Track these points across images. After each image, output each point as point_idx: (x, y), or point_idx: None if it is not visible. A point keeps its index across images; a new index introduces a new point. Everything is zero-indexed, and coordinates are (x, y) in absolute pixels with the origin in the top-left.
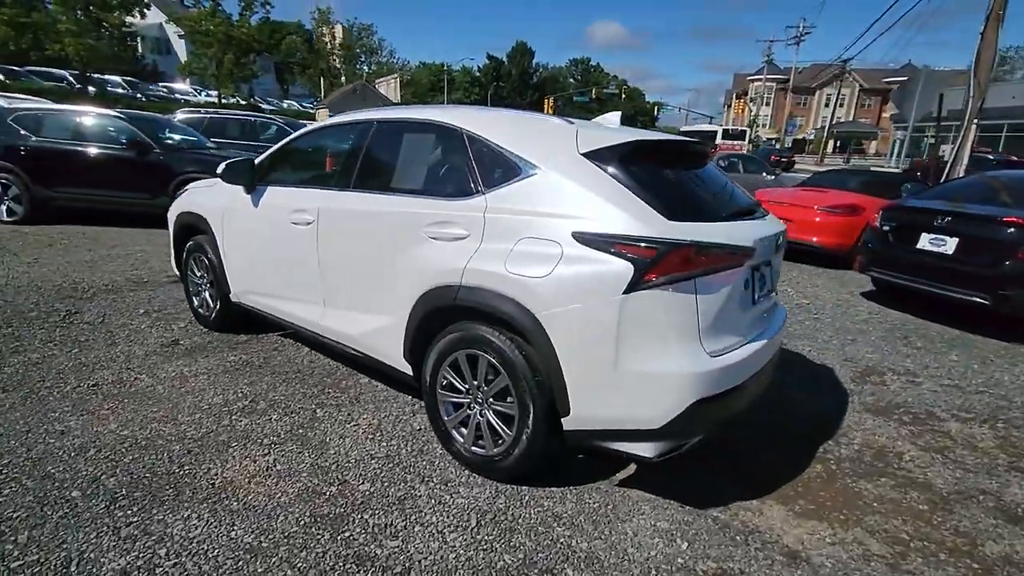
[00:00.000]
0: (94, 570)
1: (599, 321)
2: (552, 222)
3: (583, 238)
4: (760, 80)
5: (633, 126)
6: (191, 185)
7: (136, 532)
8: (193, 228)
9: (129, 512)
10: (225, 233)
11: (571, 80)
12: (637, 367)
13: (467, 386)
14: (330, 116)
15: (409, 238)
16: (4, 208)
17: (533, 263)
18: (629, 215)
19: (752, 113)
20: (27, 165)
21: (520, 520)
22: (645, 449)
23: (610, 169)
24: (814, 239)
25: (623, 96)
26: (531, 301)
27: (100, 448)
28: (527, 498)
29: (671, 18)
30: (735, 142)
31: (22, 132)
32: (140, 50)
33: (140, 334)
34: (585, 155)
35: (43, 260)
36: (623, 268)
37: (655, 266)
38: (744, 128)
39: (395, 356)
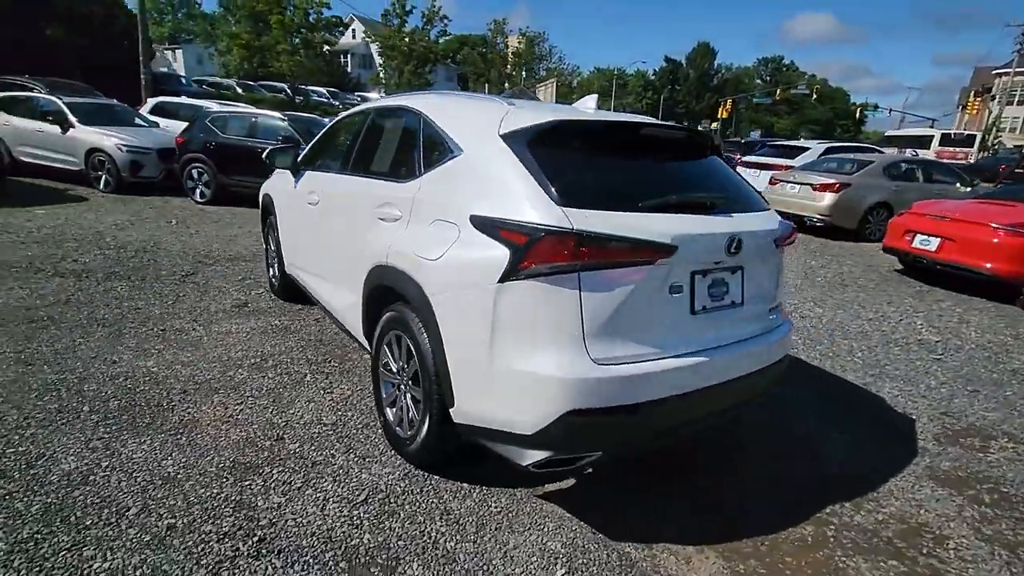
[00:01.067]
0: (50, 466)
1: (476, 309)
2: (459, 204)
3: (476, 221)
4: (1008, 74)
5: (831, 133)
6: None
7: (99, 445)
8: (267, 207)
9: (106, 430)
10: (280, 212)
11: (758, 81)
12: (509, 365)
13: (397, 367)
14: None
15: (366, 218)
16: (198, 191)
17: (433, 245)
18: (519, 198)
19: (993, 114)
20: (214, 157)
21: (407, 506)
22: (519, 456)
23: (519, 150)
24: (986, 264)
25: (815, 96)
26: (426, 284)
27: (128, 378)
28: (430, 487)
29: (890, 4)
30: (958, 149)
31: (213, 130)
32: (349, 66)
33: (224, 295)
34: (502, 136)
35: (202, 232)
36: (500, 255)
37: (528, 254)
38: (974, 132)
39: (358, 332)
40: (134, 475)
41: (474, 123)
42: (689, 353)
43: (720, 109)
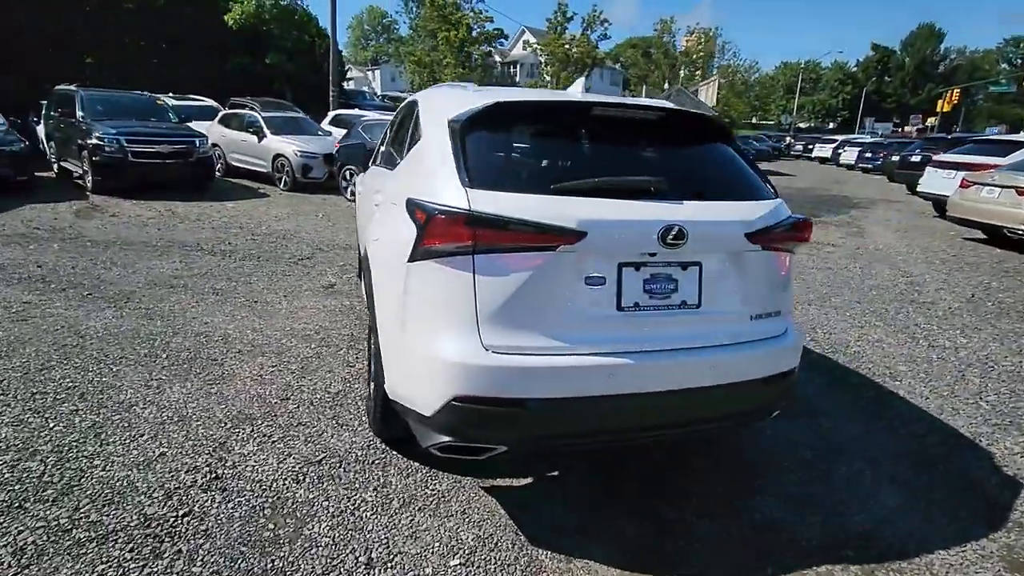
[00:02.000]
0: (113, 395)
1: (395, 289)
2: (406, 187)
3: (407, 202)
4: None
5: None
6: None
7: (153, 385)
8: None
9: (167, 375)
10: (358, 204)
11: (1004, 66)
12: (414, 344)
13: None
14: None
15: (369, 206)
16: (349, 190)
17: (380, 227)
18: (436, 179)
19: None
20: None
21: (351, 473)
22: (424, 437)
23: (455, 134)
24: None
25: None
26: (372, 264)
27: (206, 337)
28: (383, 460)
29: None
30: None
31: (364, 136)
32: (518, 75)
33: (320, 277)
34: (449, 121)
35: (338, 225)
36: (410, 235)
37: (426, 233)
38: None
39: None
40: (163, 411)
41: (438, 111)
42: (608, 353)
43: (941, 102)
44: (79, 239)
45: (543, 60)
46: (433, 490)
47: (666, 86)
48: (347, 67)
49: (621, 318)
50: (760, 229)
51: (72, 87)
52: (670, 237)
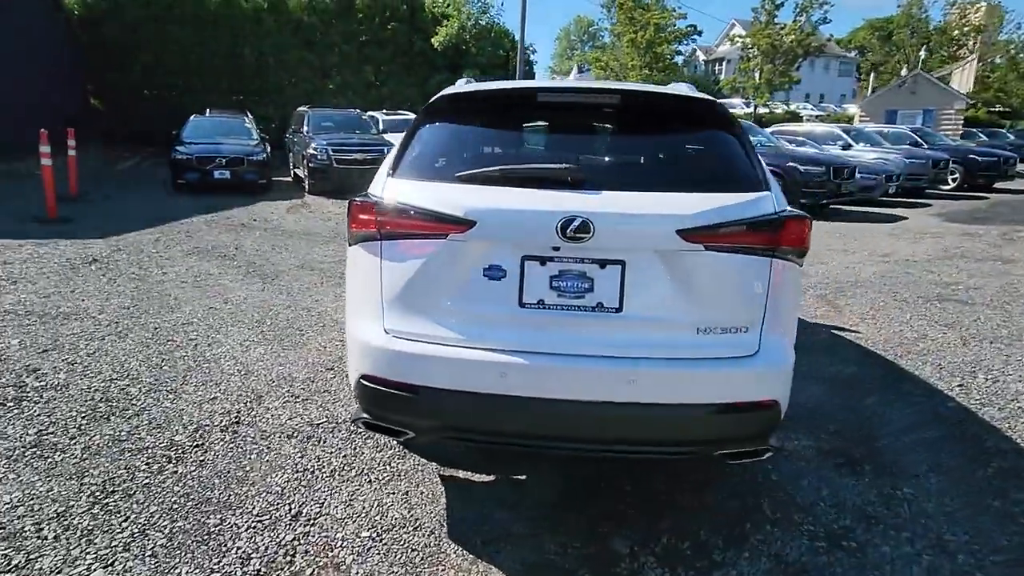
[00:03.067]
0: (205, 349)
1: (346, 269)
2: None
3: None
4: None
5: None
6: None
7: (247, 347)
8: None
9: (260, 339)
10: None
11: None
12: (346, 321)
13: None
14: (862, 118)
15: None
16: None
17: None
18: (383, 168)
19: None
20: None
21: (330, 437)
22: (354, 410)
23: (416, 124)
24: None
25: None
26: None
27: (308, 311)
28: (368, 436)
29: None
30: None
31: None
32: (724, 72)
33: None
34: (421, 112)
35: None
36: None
37: (350, 220)
38: None
39: None
40: (238, 366)
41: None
42: (502, 350)
43: None
44: (277, 229)
45: (742, 54)
46: (394, 468)
47: (903, 71)
48: (553, 77)
49: (522, 315)
50: (700, 226)
51: (305, 108)
52: (571, 230)
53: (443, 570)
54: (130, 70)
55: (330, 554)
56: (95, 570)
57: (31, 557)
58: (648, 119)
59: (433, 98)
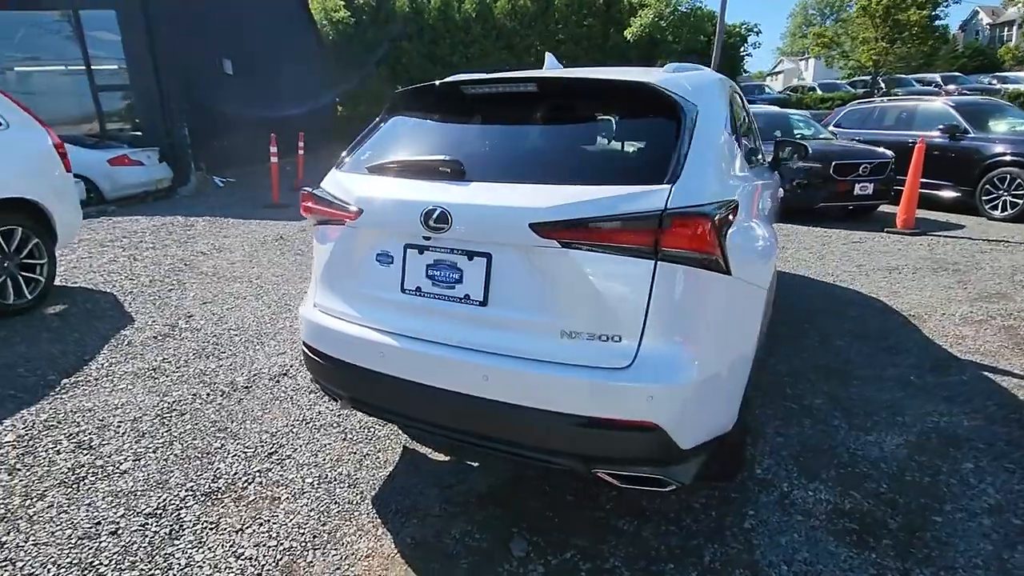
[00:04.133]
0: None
1: None
2: None
3: None
4: None
5: None
6: None
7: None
8: None
9: None
10: None
11: None
12: None
13: None
14: None
15: None
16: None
17: None
18: None
19: None
20: None
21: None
22: None
23: (379, 119)
24: None
25: None
26: None
27: None
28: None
29: None
30: None
31: None
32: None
33: None
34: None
35: None
36: None
37: (300, 207)
38: None
39: None
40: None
41: None
42: (383, 331)
43: None
44: None
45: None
46: (370, 433)
47: None
48: (779, 60)
49: (403, 300)
50: (553, 221)
51: None
52: (432, 220)
53: (347, 525)
54: (368, 82)
55: (274, 490)
56: (125, 461)
57: (101, 442)
58: (572, 107)
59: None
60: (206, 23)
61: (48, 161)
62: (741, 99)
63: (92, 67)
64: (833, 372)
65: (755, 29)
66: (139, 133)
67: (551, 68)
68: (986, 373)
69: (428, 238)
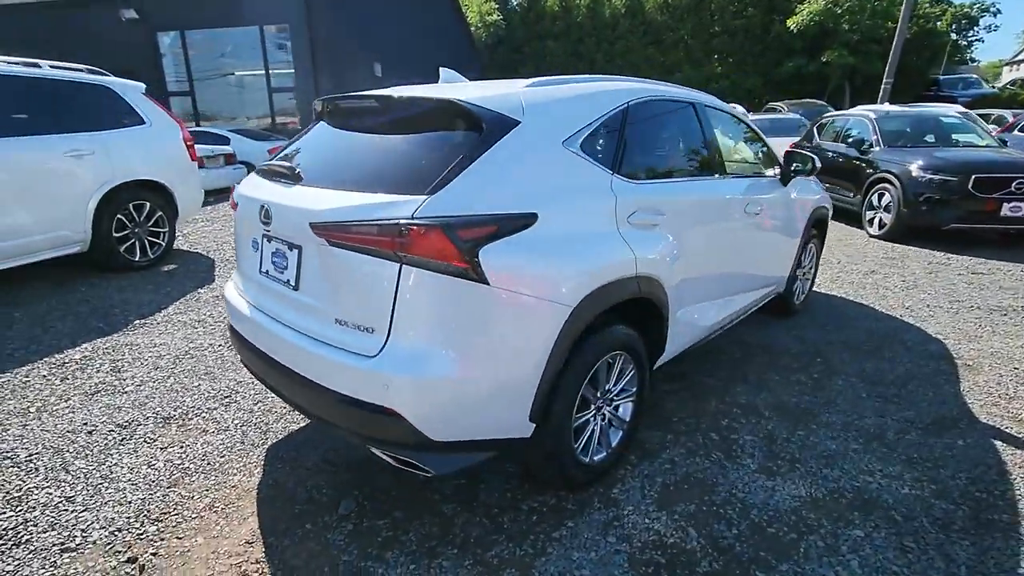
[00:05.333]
0: None
1: None
2: None
3: None
4: None
5: None
6: None
7: None
8: None
9: None
10: None
11: None
12: None
13: None
14: None
15: None
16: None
17: None
18: None
19: None
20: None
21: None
22: None
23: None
24: None
25: None
26: None
27: None
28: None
29: None
30: None
31: (814, 135)
32: None
33: None
34: None
35: None
36: None
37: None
38: None
39: None
40: None
41: None
42: (251, 306)
43: None
44: None
45: None
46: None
47: None
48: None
49: (260, 280)
50: (322, 222)
51: None
52: (262, 215)
53: (237, 461)
54: None
55: (208, 425)
56: (132, 385)
57: (127, 369)
58: (393, 122)
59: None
60: (360, 32)
61: (177, 152)
62: (697, 114)
63: (269, 72)
64: (795, 412)
65: (991, 9)
66: (301, 128)
67: (447, 82)
68: (998, 443)
69: (268, 230)
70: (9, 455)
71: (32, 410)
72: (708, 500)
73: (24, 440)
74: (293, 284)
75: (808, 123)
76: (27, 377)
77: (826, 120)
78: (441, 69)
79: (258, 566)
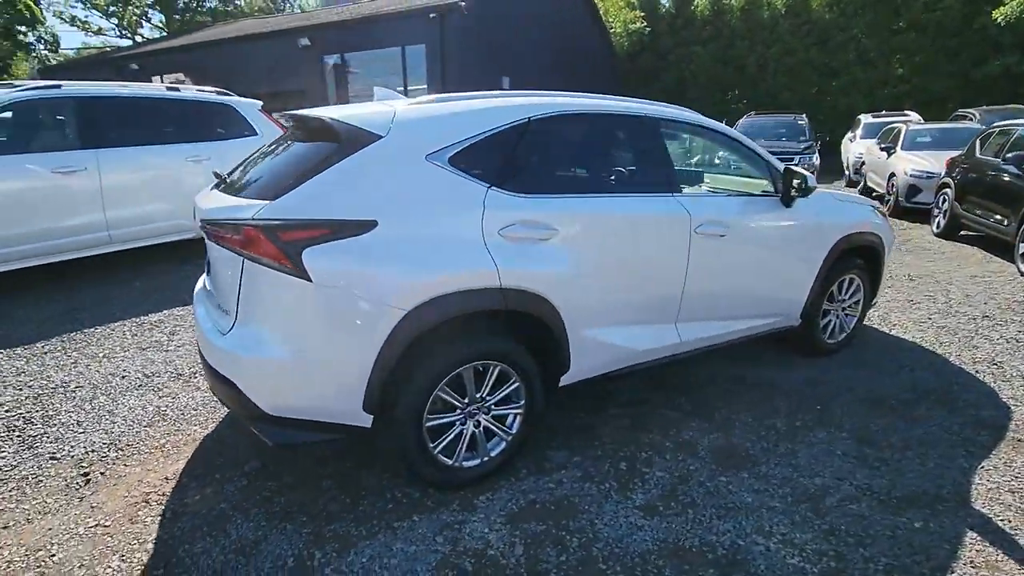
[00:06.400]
0: None
1: None
2: None
3: None
4: None
5: None
6: None
7: None
8: None
9: None
10: None
11: None
12: None
13: None
14: None
15: None
16: (935, 221)
17: None
18: None
19: None
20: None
21: None
22: None
23: None
24: None
25: None
26: None
27: None
28: None
29: None
30: None
31: (972, 149)
32: None
33: None
34: None
35: None
36: None
37: None
38: None
39: None
40: None
41: None
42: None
43: None
44: None
45: None
46: None
47: None
48: None
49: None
50: (202, 219)
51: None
52: (195, 216)
53: (196, 416)
54: (655, 89)
55: (175, 389)
56: (177, 347)
57: (178, 335)
58: (300, 136)
59: None
60: (490, 48)
61: None
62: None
63: (408, 88)
64: (736, 459)
65: None
66: None
67: (381, 100)
68: (972, 535)
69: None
70: (65, 385)
71: (100, 355)
72: (563, 524)
73: (81, 376)
74: (207, 270)
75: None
76: (113, 330)
77: (994, 130)
78: (376, 88)
79: (160, 497)
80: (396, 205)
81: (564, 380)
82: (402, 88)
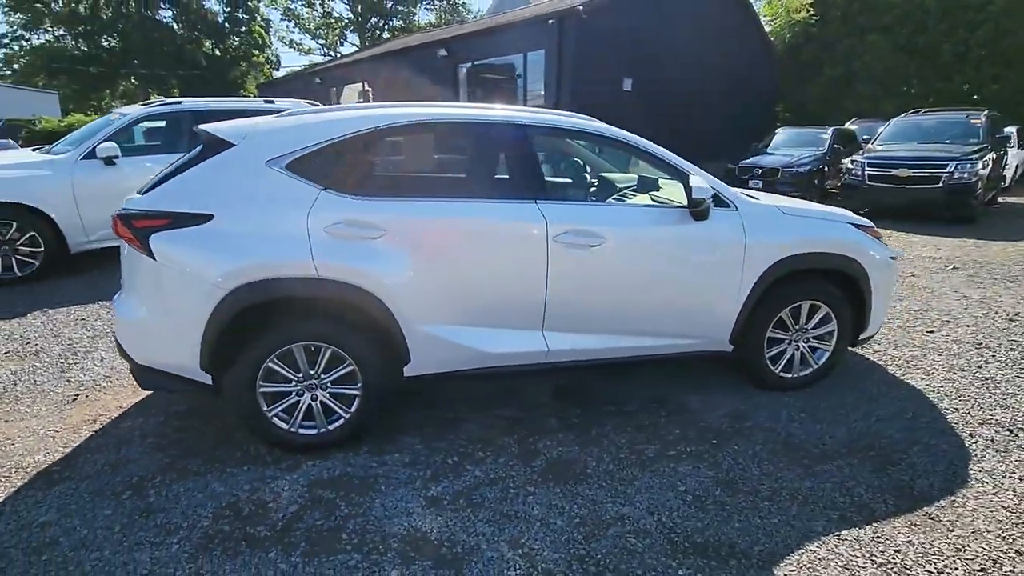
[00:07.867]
0: None
1: None
2: None
3: None
4: None
5: None
6: None
7: None
8: None
9: None
10: None
11: None
12: None
13: None
14: None
15: None
16: None
17: None
18: None
19: None
20: None
21: None
22: None
23: None
24: None
25: None
26: None
27: None
28: None
29: None
30: None
31: None
32: None
33: None
34: None
35: None
36: None
37: None
38: None
39: None
40: None
41: None
42: None
43: None
44: None
45: None
46: None
47: None
48: None
49: None
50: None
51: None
52: None
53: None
54: (817, 85)
55: None
56: None
57: None
58: (199, 143)
59: None
60: (611, 50)
61: None
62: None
63: (527, 90)
64: (565, 472)
65: None
66: None
67: (353, 103)
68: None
69: None
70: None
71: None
72: (349, 498)
73: (87, 332)
74: None
75: None
76: None
77: None
78: (345, 87)
79: (105, 420)
80: (233, 202)
81: (409, 371)
82: (521, 91)
